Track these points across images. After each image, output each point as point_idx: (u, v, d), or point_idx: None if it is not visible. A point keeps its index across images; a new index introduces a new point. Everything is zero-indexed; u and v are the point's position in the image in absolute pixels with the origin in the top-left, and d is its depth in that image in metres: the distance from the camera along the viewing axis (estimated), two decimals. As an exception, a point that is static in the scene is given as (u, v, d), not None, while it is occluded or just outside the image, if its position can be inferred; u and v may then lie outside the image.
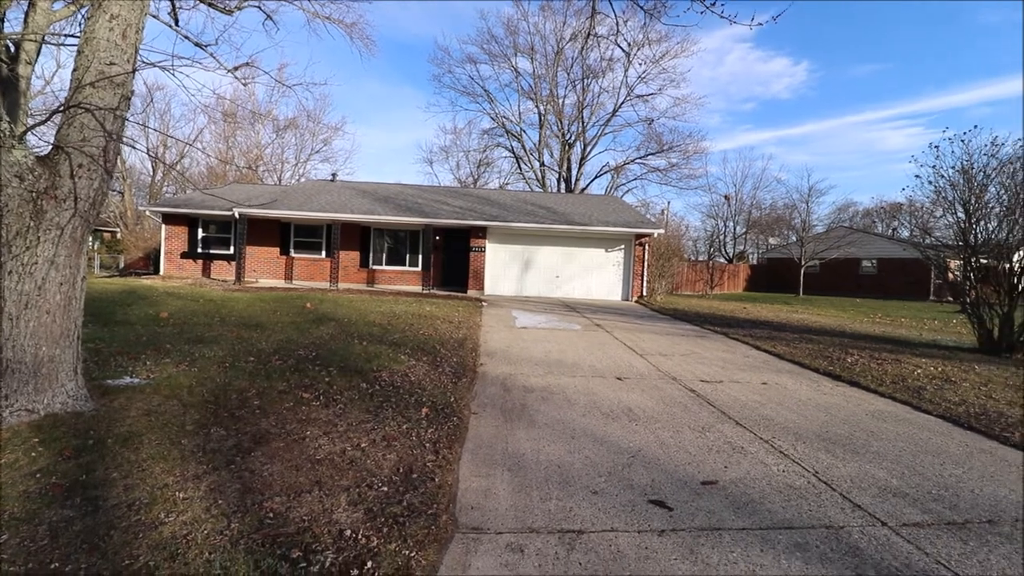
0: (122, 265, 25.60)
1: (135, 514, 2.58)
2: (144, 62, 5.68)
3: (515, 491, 3.16)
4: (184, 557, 2.26)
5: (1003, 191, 9.32)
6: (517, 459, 3.65)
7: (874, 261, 29.94)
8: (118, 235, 33.70)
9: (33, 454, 3.11)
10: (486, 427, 4.29)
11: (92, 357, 5.52)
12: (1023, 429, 4.73)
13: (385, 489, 3.03)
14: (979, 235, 9.58)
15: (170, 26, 8.66)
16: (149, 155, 33.56)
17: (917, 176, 10.04)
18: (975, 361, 8.16)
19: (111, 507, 2.63)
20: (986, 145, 9.34)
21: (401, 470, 3.30)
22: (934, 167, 9.82)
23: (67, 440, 3.31)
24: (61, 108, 3.30)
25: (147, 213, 21.06)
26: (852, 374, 6.75)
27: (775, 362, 7.59)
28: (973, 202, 9.52)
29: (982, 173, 9.47)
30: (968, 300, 9.68)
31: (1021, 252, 9.24)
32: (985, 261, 9.72)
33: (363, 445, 3.64)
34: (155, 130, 30.92)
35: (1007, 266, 9.28)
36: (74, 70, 3.57)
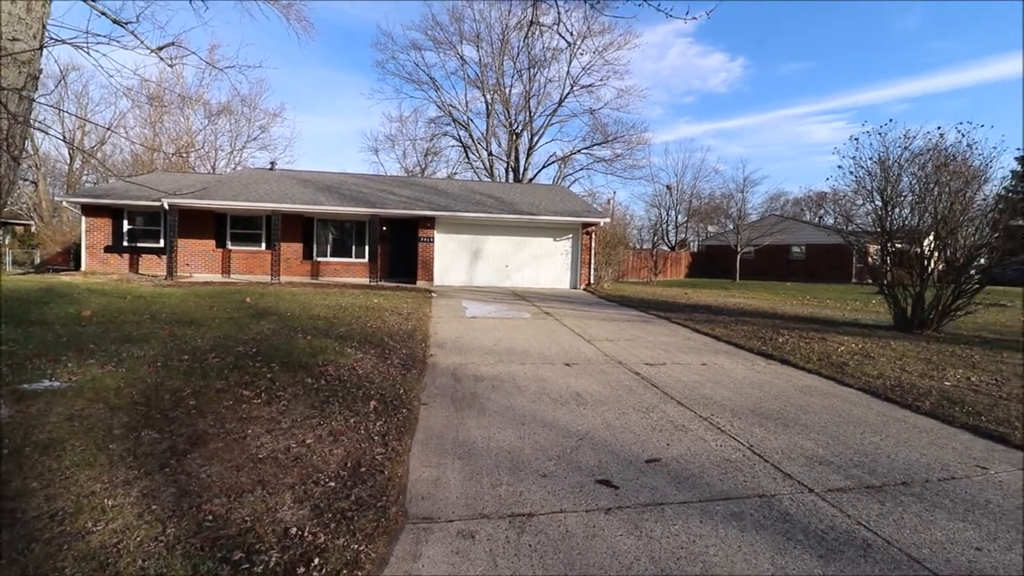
0: (38, 261, 23.53)
1: (58, 525, 2.41)
2: (54, 38, 5.20)
3: (466, 479, 3.18)
4: (115, 566, 2.13)
5: (915, 181, 10.13)
6: (468, 447, 3.67)
7: (803, 247, 31.87)
8: (33, 229, 30.90)
9: (-65, 468, 2.84)
10: (436, 417, 4.27)
11: (5, 360, 5.08)
12: (932, 399, 5.20)
13: (332, 484, 2.97)
14: (894, 222, 10.37)
15: (84, 0, 7.96)
16: (64, 141, 30.82)
17: (839, 167, 10.80)
18: (891, 338, 8.87)
19: (31, 519, 2.45)
20: (900, 138, 10.10)
21: (349, 464, 3.25)
22: (854, 158, 10.53)
23: (-24, 451, 3.04)
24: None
25: (64, 204, 19.44)
26: (783, 353, 7.19)
27: (714, 344, 7.97)
28: (888, 191, 10.28)
29: (896, 164, 10.24)
30: (885, 282, 10.49)
31: (930, 237, 10.09)
32: (900, 246, 10.55)
33: (309, 441, 3.55)
34: (71, 114, 28.42)
35: (918, 250, 10.12)
36: (-31, 45, 3.22)
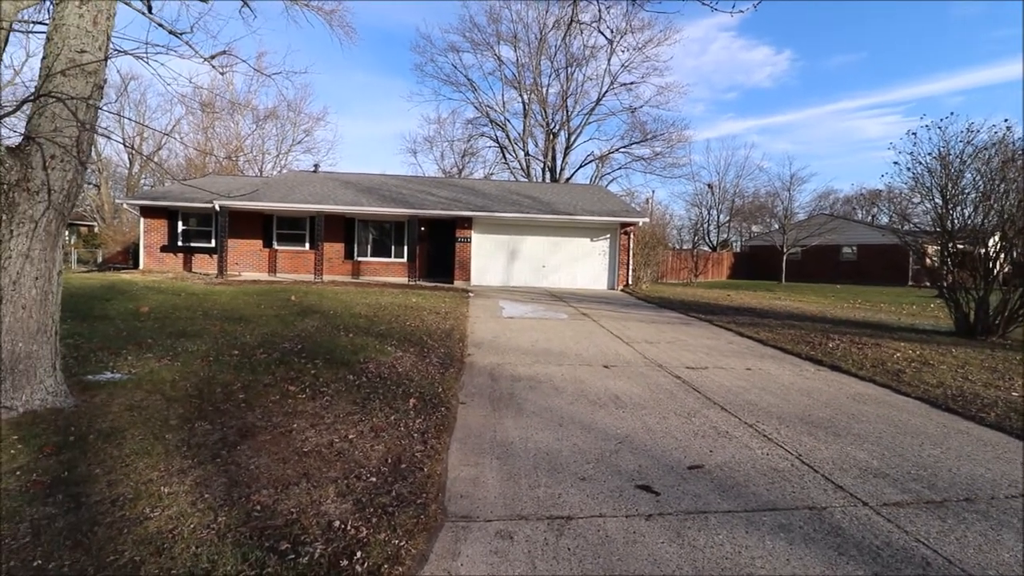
0: (100, 260, 25.05)
1: (119, 510, 2.54)
2: (117, 50, 5.51)
3: (504, 479, 3.17)
4: (170, 552, 2.23)
5: (978, 177, 9.52)
6: (506, 447, 3.67)
7: (854, 248, 30.46)
8: (96, 229, 32.93)
9: (12, 451, 3.05)
10: (474, 416, 4.30)
11: (71, 353, 5.41)
12: (998, 410, 4.87)
13: (374, 480, 3.03)
14: (956, 221, 9.78)
15: (143, 13, 8.38)
16: (125, 146, 32.70)
17: (896, 163, 10.20)
18: (952, 344, 8.36)
19: (94, 503, 2.59)
20: (962, 132, 9.51)
21: (390, 461, 3.30)
22: (912, 154, 9.99)
23: (47, 437, 3.25)
24: (31, 97, 3.19)
25: (124, 206, 20.61)
26: (833, 359, 6.88)
27: (759, 348, 7.71)
28: (950, 188, 9.70)
29: (958, 160, 9.65)
30: (945, 285, 9.90)
31: (995, 237, 9.46)
32: (962, 246, 9.94)
33: (351, 437, 3.63)
34: (131, 120, 30.11)
35: (983, 251, 9.50)
36: (44, 58, 3.45)
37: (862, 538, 2.65)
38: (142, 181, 38.33)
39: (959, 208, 9.77)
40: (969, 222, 9.65)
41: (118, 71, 34.54)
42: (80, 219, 34.86)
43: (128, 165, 38.80)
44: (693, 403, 4.86)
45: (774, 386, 5.56)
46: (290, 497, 2.76)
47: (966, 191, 9.74)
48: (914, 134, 9.89)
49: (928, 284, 27.80)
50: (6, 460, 2.95)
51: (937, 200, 9.96)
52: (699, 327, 9.70)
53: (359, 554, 2.30)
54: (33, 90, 3.21)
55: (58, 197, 3.46)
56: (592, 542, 2.52)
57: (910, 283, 27.47)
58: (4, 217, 3.26)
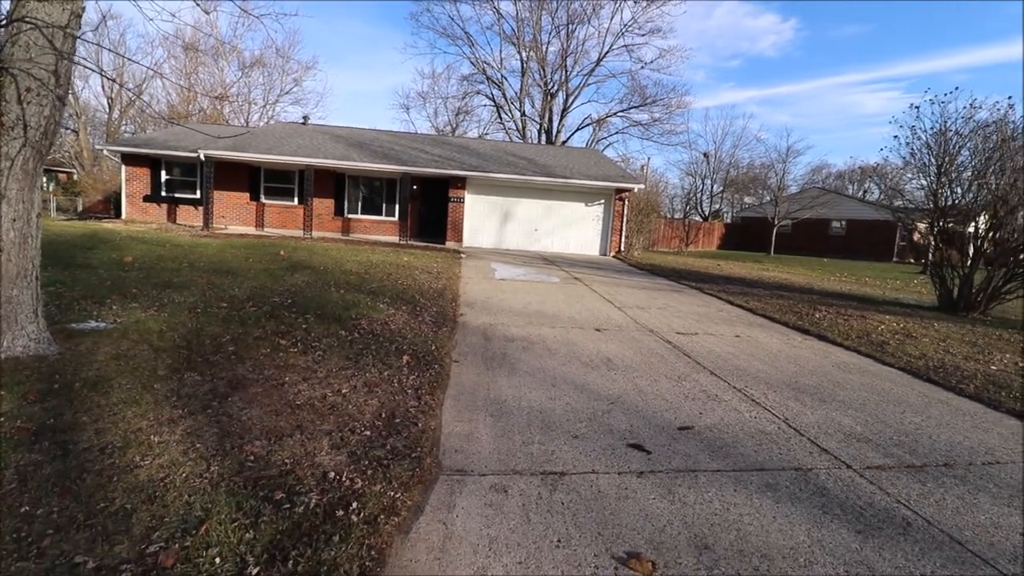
0: (80, 208, 24.34)
1: (108, 458, 2.51)
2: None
3: (498, 436, 3.19)
4: (162, 500, 2.22)
5: (975, 155, 9.49)
6: (499, 405, 3.68)
7: (843, 222, 30.64)
8: (75, 176, 31.84)
9: (-5, 397, 2.98)
10: (468, 375, 4.29)
11: (53, 301, 5.27)
12: (977, 382, 4.99)
13: (368, 433, 3.02)
14: (948, 198, 9.80)
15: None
16: (104, 75, 31.09)
17: (896, 137, 10.13)
18: (934, 318, 8.52)
19: (82, 451, 2.56)
20: (964, 108, 9.42)
21: (383, 415, 3.29)
22: (912, 128, 9.91)
23: (31, 384, 3.18)
24: (2, 22, 2.96)
25: (105, 153, 19.87)
26: (820, 328, 6.98)
27: (748, 316, 7.78)
28: (946, 163, 9.68)
29: (956, 136, 9.59)
30: (931, 261, 10.01)
31: (984, 216, 9.53)
32: (951, 224, 10.00)
33: (344, 391, 3.61)
34: (111, 50, 28.68)
35: (971, 229, 9.58)
36: (14, -19, 3.20)
37: (846, 498, 2.72)
38: (123, 128, 36.94)
39: (952, 186, 9.78)
40: (961, 200, 9.68)
41: (97, 4, 32.73)
42: (59, 165, 33.69)
43: (108, 110, 37.28)
44: (683, 367, 4.90)
45: (762, 353, 5.63)
46: (284, 448, 2.75)
47: (962, 168, 9.73)
48: (916, 107, 9.79)
49: (912, 260, 28.20)
50: (-10, 405, 2.89)
51: (932, 177, 9.95)
52: (690, 295, 9.75)
53: (355, 504, 2.30)
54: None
55: (35, 134, 3.27)
56: (585, 497, 2.55)
57: (895, 259, 27.84)
58: (-23, 153, 3.09)
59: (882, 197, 41.22)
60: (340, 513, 2.23)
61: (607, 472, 2.82)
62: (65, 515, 2.09)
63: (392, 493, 2.42)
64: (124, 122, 37.14)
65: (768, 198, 33.10)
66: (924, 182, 10.34)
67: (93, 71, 30.59)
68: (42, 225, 3.65)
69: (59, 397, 3.08)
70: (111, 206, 20.93)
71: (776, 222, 29.85)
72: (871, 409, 4.12)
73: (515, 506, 2.44)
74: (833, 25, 71.47)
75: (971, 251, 9.48)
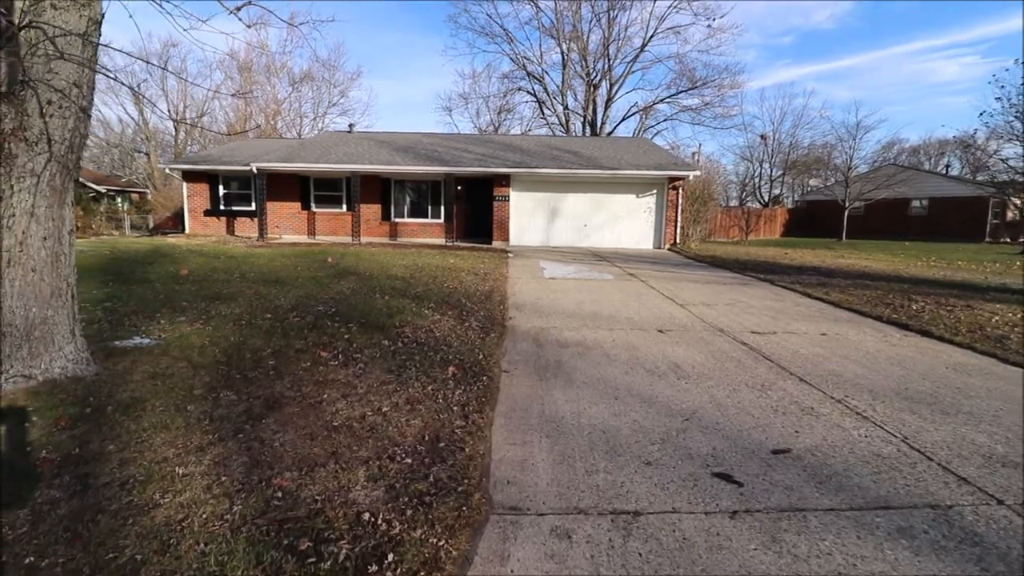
0: (151, 225, 25.83)
1: (127, 495, 2.27)
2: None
3: (556, 462, 2.76)
4: (176, 549, 1.93)
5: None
6: (556, 423, 3.25)
7: (925, 201, 28.00)
8: (149, 196, 33.98)
9: (26, 424, 2.84)
10: (519, 387, 3.89)
11: (107, 317, 5.30)
12: None
13: (409, 461, 2.67)
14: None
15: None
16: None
17: (998, 98, 8.87)
18: (1057, 306, 7.34)
19: (102, 486, 2.33)
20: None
21: (427, 438, 2.94)
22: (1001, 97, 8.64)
23: (64, 408, 3.04)
24: (11, 31, 2.80)
25: (167, 171, 20.93)
26: (921, 322, 6.09)
27: (831, 311, 6.95)
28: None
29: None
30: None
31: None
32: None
33: (384, 409, 3.29)
34: (170, 71, 30.35)
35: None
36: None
37: (1008, 548, 2.11)
38: (188, 148, 39.13)
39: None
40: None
41: (158, 39, 34.90)
42: (133, 186, 36.09)
43: (174, 134, 39.62)
44: (765, 373, 4.29)
45: (857, 354, 4.90)
46: (315, 481, 2.43)
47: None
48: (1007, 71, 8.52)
49: (1009, 240, 25.40)
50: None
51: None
52: (759, 288, 8.93)
53: (391, 556, 1.94)
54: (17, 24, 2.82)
55: (60, 148, 3.14)
56: (667, 546, 2.08)
57: (987, 239, 25.17)
58: (3, 171, 2.97)
59: (965, 171, 37.59)
60: (373, 568, 1.87)
61: (691, 511, 2.33)
62: (69, 568, 1.84)
63: (435, 540, 2.05)
64: (189, 143, 39.34)
65: (836, 179, 30.77)
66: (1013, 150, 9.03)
67: (154, 105, 32.54)
68: (74, 241, 3.55)
69: (90, 423, 2.92)
70: (179, 222, 22.04)
71: (847, 204, 27.65)
72: (1008, 422, 3.39)
73: (581, 558, 2.01)
74: (899, -11, 66.02)
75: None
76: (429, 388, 3.68)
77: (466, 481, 2.50)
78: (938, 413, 3.52)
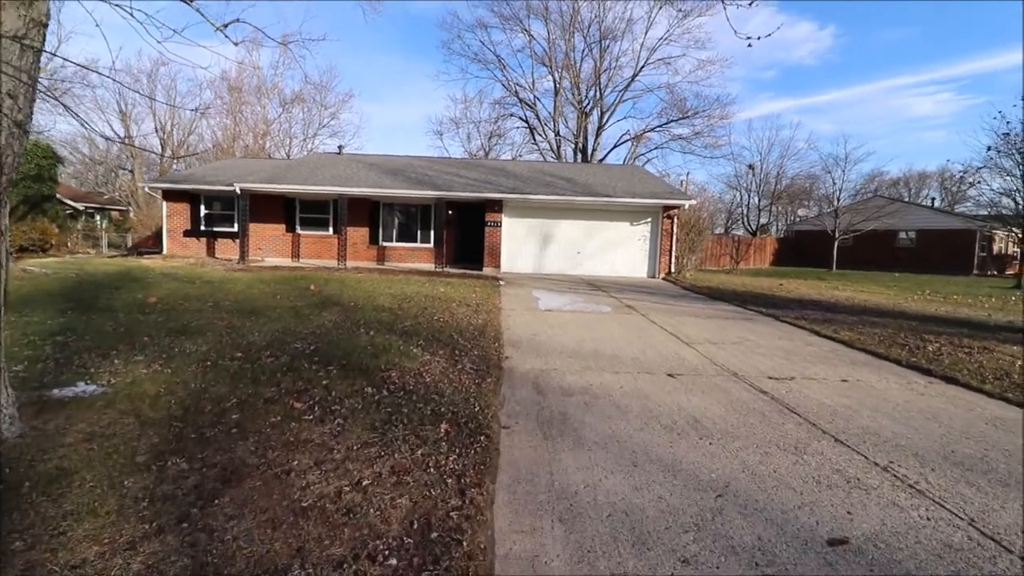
0: (130, 244, 25.01)
1: (19, 625, 1.72)
2: None
3: (575, 559, 2.26)
4: None
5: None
6: (569, 501, 2.75)
7: (912, 233, 28.27)
8: (130, 214, 33.12)
9: (-87, 510, 2.28)
10: (522, 448, 3.39)
11: (55, 354, 4.73)
12: None
13: (394, 562, 2.15)
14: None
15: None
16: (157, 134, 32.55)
17: (989, 148, 8.74)
18: (1073, 347, 7.05)
19: (-11, 609, 1.78)
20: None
21: (416, 525, 2.42)
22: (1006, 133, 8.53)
23: (-32, 485, 2.48)
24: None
25: (146, 190, 20.31)
26: (942, 367, 5.73)
27: (845, 351, 6.57)
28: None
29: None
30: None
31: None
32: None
33: (365, 483, 2.77)
34: (138, 91, 29.82)
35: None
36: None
37: None
38: (173, 167, 38.47)
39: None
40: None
41: (148, 58, 34.63)
42: (114, 204, 35.21)
43: (160, 151, 38.97)
44: (795, 430, 3.84)
45: (886, 406, 4.49)
46: (272, 597, 1.90)
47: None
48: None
49: (995, 272, 25.61)
50: (-99, 524, 2.18)
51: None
52: (764, 324, 8.56)
53: None
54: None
55: (-14, 167, 2.64)
56: None
57: (975, 272, 25.35)
58: (-90, 194, 2.46)
59: (946, 203, 38.25)
60: None
61: (752, 641, 1.84)
62: None
63: None
64: (175, 162, 38.68)
65: (825, 209, 31.00)
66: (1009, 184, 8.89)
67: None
68: (10, 274, 3.03)
69: (-2, 506, 2.36)
70: (158, 242, 21.30)
71: (837, 235, 27.80)
72: (1081, 497, 2.96)
73: None
74: (873, 29, 68.54)
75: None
76: (418, 452, 3.16)
77: (465, 592, 2.00)
78: (997, 485, 3.09)
